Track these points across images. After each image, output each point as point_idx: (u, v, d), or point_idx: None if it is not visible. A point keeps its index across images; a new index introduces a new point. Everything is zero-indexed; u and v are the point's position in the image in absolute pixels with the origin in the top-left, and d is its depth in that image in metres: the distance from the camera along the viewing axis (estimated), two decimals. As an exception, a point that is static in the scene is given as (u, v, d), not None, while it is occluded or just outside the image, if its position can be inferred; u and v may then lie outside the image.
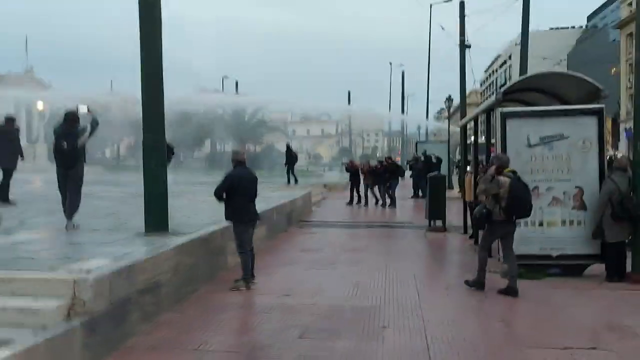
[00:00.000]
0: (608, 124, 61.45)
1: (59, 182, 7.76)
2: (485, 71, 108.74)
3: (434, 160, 21.65)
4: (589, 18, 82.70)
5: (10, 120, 10.77)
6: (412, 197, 21.14)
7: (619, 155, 17.28)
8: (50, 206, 9.01)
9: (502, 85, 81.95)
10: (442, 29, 32.63)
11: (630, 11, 52.69)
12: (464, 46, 23.44)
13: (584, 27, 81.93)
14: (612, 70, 55.52)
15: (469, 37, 23.52)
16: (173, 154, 11.07)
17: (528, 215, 7.15)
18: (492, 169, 7.10)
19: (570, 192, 8.15)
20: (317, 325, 5.69)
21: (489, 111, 9.58)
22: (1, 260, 5.42)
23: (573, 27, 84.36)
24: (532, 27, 18.66)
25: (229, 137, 44.20)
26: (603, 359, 4.88)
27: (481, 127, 12.82)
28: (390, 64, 56.43)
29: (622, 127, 55.53)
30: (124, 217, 8.97)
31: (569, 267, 8.03)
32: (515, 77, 63.96)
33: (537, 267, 7.97)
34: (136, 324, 5.39)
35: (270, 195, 13.29)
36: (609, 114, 60.67)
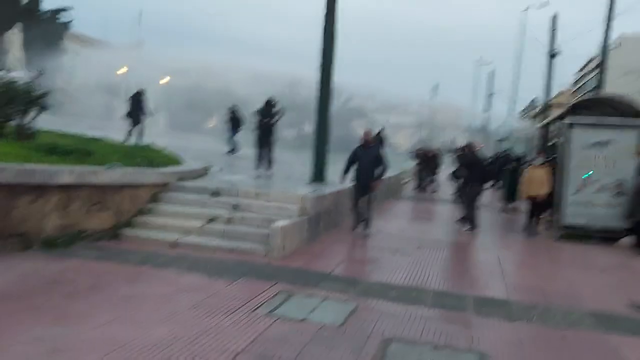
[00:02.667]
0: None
1: (258, 147, 11.93)
2: (579, 71, 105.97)
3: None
4: None
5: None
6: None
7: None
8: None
9: (594, 87, 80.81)
10: (537, 40, 34.34)
11: None
12: (551, 57, 25.82)
13: None
14: None
15: (568, 41, 25.85)
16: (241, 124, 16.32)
17: None
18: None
19: (613, 182, 11.18)
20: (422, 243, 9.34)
21: (560, 118, 12.68)
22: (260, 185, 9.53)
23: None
24: (630, 29, 20.75)
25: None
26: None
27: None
28: (480, 58, 57.90)
29: None
30: (297, 174, 12.86)
31: (605, 238, 11.10)
32: (611, 78, 63.28)
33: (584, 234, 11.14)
34: (322, 229, 9.25)
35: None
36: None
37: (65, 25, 37.14)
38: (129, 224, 8.29)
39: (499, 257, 8.98)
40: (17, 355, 3.92)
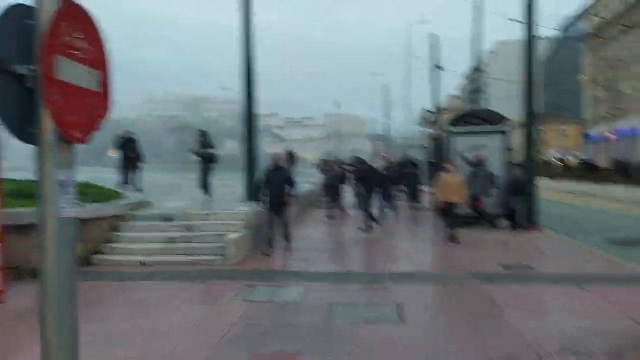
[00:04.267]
0: (574, 130, 68.51)
1: (201, 174, 13.26)
2: (466, 78, 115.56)
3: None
4: (565, 29, 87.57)
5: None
6: None
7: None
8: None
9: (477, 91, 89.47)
10: (417, 58, 38.39)
11: (593, 26, 59.51)
12: (436, 70, 29.42)
13: (557, 36, 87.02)
14: (583, 79, 61.99)
15: (458, 47, 29.41)
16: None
17: None
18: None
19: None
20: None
21: (440, 131, 15.40)
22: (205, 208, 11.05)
23: (547, 38, 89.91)
24: (508, 36, 24.01)
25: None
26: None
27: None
28: (374, 73, 62.30)
29: (588, 132, 62.28)
30: (227, 194, 14.48)
31: (487, 222, 13.82)
32: (491, 83, 70.23)
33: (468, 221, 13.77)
34: (262, 239, 11.04)
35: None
36: (577, 121, 67.08)
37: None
38: (97, 251, 9.59)
39: (406, 244, 11.24)
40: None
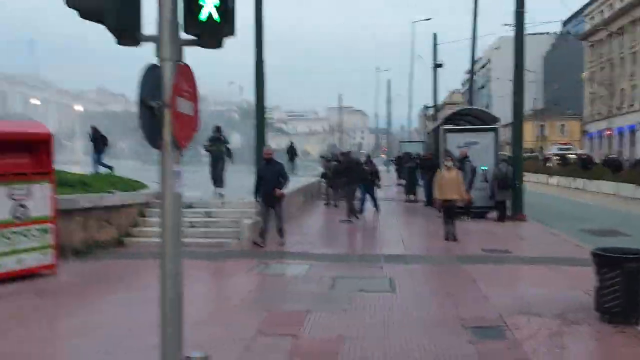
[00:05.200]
0: (574, 126, 69.48)
1: (212, 167, 14.34)
2: (467, 72, 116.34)
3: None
4: (565, 23, 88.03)
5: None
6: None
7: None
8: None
9: (481, 87, 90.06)
10: (420, 57, 39.47)
11: (592, 25, 60.47)
12: (436, 68, 30.56)
13: (558, 33, 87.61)
14: (583, 76, 63.05)
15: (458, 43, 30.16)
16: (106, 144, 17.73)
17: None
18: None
19: (478, 172, 15.17)
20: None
21: (437, 127, 16.62)
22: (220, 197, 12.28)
23: (548, 33, 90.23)
24: (508, 32, 21.89)
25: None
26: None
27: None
28: (377, 68, 63.32)
29: (587, 128, 63.33)
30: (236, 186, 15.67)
31: (477, 214, 15.03)
32: (495, 76, 70.85)
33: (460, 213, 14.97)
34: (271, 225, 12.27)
35: (299, 179, 20.18)
36: (577, 118, 67.81)
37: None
38: (128, 234, 10.87)
39: (400, 232, 12.49)
40: (115, 309, 6.64)
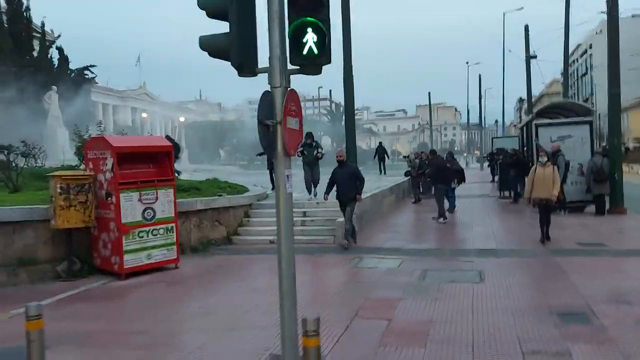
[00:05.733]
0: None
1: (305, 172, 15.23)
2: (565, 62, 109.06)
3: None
4: None
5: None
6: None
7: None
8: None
9: (583, 75, 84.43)
10: (510, 51, 38.21)
11: None
12: (529, 60, 29.65)
13: None
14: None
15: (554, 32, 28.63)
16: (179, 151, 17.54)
17: None
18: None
19: (575, 166, 14.85)
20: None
21: (529, 122, 16.43)
22: (314, 198, 13.17)
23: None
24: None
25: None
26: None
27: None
28: (467, 63, 61.71)
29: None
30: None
31: (574, 208, 14.73)
32: (597, 63, 66.01)
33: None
34: (364, 223, 12.93)
35: (389, 179, 20.66)
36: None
37: (91, 81, 41.21)
38: (235, 233, 12.04)
39: (492, 228, 12.67)
40: (231, 295, 7.62)
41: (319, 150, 14.80)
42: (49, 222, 8.69)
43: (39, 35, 34.02)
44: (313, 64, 3.79)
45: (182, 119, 67.26)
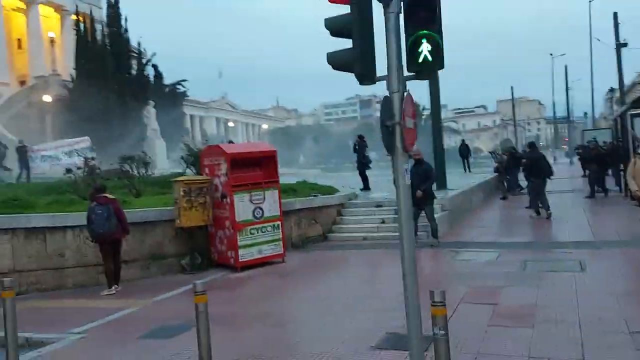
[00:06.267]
0: None
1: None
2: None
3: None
4: None
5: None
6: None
7: None
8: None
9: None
10: (598, 40, 36.63)
11: None
12: (619, 49, 28.29)
13: None
14: None
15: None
16: None
17: None
18: None
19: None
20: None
21: (623, 113, 15.90)
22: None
23: None
24: None
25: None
26: None
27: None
28: (551, 54, 59.23)
29: None
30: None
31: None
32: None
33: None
34: (455, 220, 13.19)
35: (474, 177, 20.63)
36: None
37: (183, 95, 44.00)
38: (330, 230, 12.75)
39: (588, 221, 12.51)
40: (336, 285, 8.26)
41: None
42: (173, 222, 9.83)
43: (135, 54, 36.95)
44: (427, 70, 4.33)
45: (265, 126, 69.85)
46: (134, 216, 9.54)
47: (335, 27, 4.56)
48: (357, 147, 16.95)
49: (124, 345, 5.98)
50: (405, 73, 4.44)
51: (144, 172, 13.36)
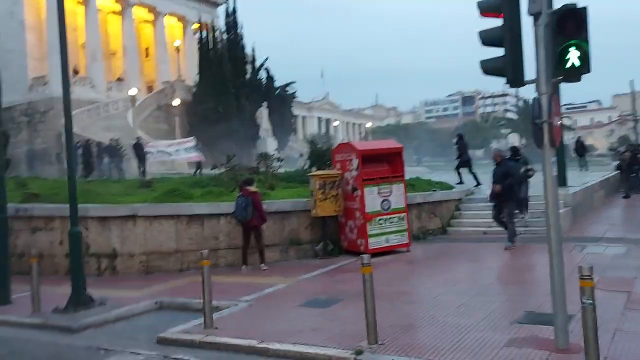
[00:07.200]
0: None
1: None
2: None
3: None
4: None
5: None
6: None
7: None
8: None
9: None
10: None
11: None
12: None
13: None
14: None
15: None
16: None
17: None
18: None
19: None
20: None
21: None
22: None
23: None
24: None
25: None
26: None
27: None
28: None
29: None
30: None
31: None
32: None
33: None
34: (576, 215, 13.12)
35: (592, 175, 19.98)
36: None
37: (292, 96, 46.05)
38: (448, 224, 13.27)
39: None
40: (462, 273, 8.81)
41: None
42: (308, 212, 10.93)
43: (250, 60, 39.45)
44: (575, 74, 4.87)
45: (368, 124, 70.86)
46: (272, 206, 10.78)
47: (489, 38, 5.23)
48: (458, 146, 17.18)
49: (289, 311, 7.05)
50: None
51: (278, 168, 14.71)
